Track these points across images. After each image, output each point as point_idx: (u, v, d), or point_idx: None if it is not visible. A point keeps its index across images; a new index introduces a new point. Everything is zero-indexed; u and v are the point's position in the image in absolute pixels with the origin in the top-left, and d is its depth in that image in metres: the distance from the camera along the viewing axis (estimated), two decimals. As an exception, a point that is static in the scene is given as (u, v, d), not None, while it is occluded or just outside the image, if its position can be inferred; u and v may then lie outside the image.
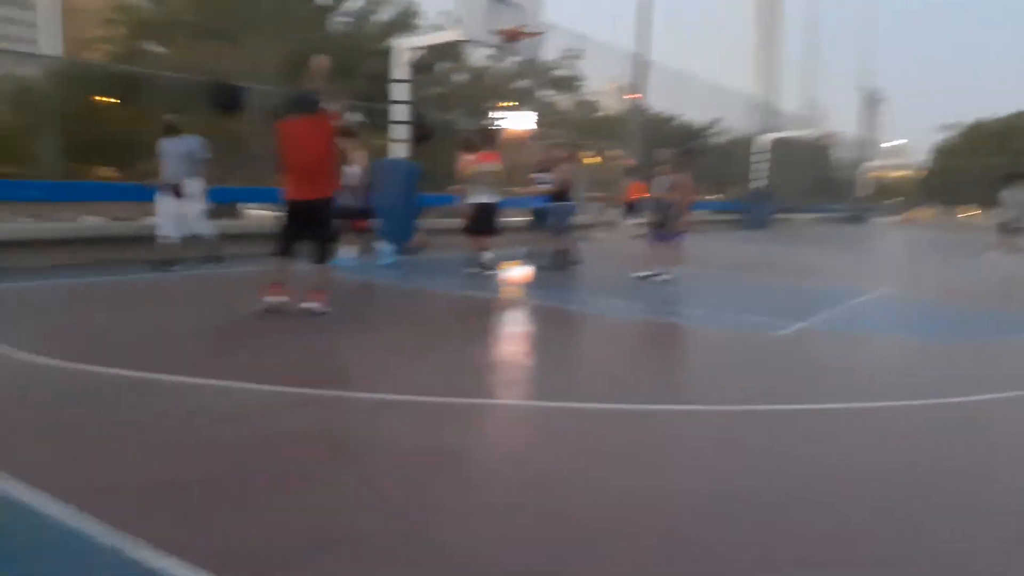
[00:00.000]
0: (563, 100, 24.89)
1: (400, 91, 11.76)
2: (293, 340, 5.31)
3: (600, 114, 30.97)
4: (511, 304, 7.78)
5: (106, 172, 17.81)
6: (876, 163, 49.12)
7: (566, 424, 3.77)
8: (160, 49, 17.62)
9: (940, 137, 55.72)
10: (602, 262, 12.19)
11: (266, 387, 4.01)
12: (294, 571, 2.22)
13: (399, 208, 11.49)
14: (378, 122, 19.96)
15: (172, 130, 8.34)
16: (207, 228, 8.57)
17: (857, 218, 37.68)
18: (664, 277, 9.42)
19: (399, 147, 11.84)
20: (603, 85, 31.18)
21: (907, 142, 48.69)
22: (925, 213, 49.57)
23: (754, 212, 26.46)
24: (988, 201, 47.04)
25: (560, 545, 2.47)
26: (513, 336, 6.30)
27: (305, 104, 6.30)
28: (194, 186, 8.31)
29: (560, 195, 10.69)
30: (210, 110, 11.24)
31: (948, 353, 6.22)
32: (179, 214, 8.30)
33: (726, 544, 2.52)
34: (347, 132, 10.90)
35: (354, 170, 9.12)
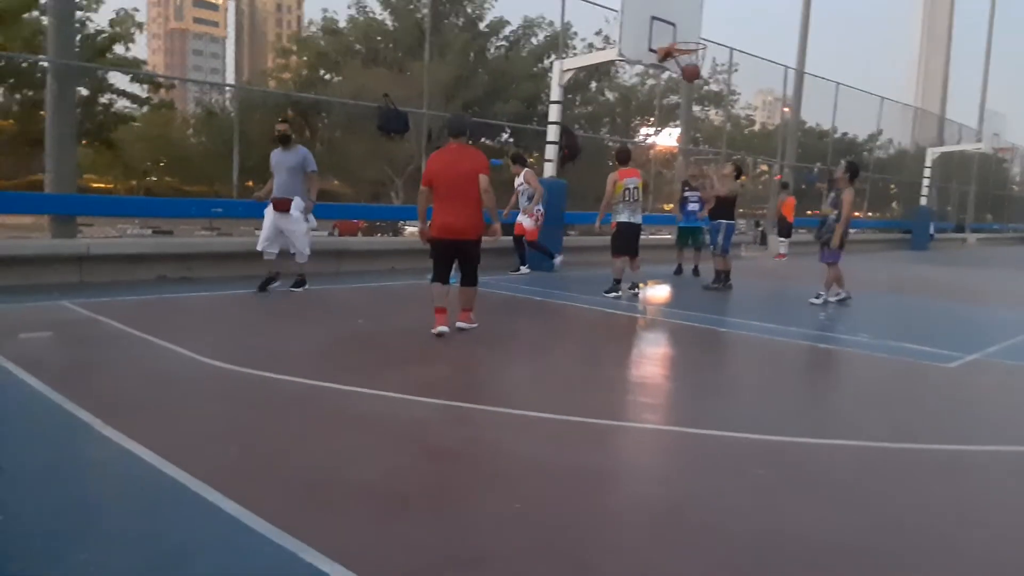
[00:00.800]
0: (715, 115, 24.47)
1: (554, 112, 12.08)
2: (448, 355, 5.62)
3: (752, 128, 30.16)
4: (657, 324, 7.85)
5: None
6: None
7: (712, 452, 3.83)
8: (333, 77, 19.04)
9: None
10: (752, 281, 11.94)
11: (420, 399, 4.30)
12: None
13: (543, 225, 11.80)
14: (526, 143, 20.53)
15: (284, 140, 7.87)
16: (305, 247, 8.04)
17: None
18: (816, 299, 9.16)
19: (549, 166, 12.14)
20: (756, 98, 30.34)
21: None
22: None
23: (919, 231, 24.82)
24: None
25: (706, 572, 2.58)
26: (659, 357, 6.38)
27: (459, 126, 6.30)
28: (299, 202, 7.90)
29: (721, 212, 10.44)
30: (377, 132, 12.03)
31: None
32: (280, 229, 7.92)
33: None
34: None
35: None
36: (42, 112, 12.08)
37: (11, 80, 15.45)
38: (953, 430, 4.46)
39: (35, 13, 15.01)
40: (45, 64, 9.26)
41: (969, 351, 6.53)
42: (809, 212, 25.49)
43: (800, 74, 21.47)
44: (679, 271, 12.37)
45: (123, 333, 5.66)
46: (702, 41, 11.89)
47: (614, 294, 9.04)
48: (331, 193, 19.66)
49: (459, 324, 6.23)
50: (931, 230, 25.05)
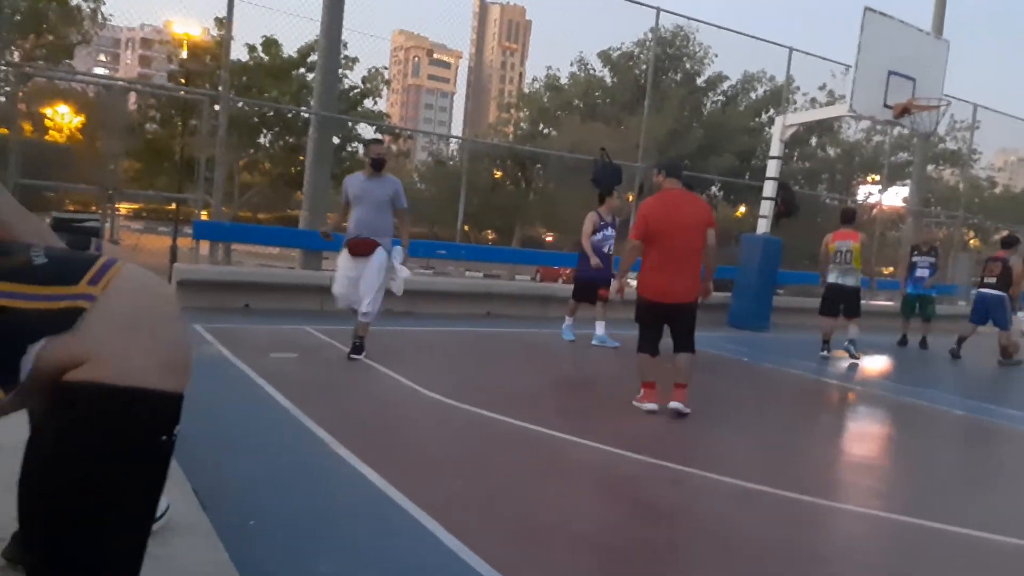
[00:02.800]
0: (950, 175, 22.43)
1: (773, 167, 11.71)
2: (656, 411, 5.43)
3: (993, 191, 27.27)
4: (877, 398, 7.24)
5: (492, 236, 20.49)
6: None
7: (928, 545, 3.44)
8: (551, 131, 19.85)
9: None
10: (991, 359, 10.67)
11: (631, 454, 4.24)
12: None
13: (755, 284, 11.37)
14: (737, 197, 20.02)
15: (379, 165, 6.15)
16: (375, 304, 6.20)
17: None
18: None
19: (764, 223, 11.74)
20: (996, 158, 27.47)
21: None
22: None
23: None
24: None
25: None
26: (881, 436, 5.86)
27: (677, 167, 5.45)
28: (398, 251, 6.29)
29: (1005, 285, 10.23)
30: (590, 185, 12.29)
31: None
32: (357, 277, 6.16)
33: None
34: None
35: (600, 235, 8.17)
36: (301, 157, 13.71)
37: (277, 128, 17.73)
38: None
39: (302, 70, 17.15)
40: (306, 115, 10.52)
41: None
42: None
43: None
44: (904, 342, 11.36)
45: (354, 360, 6.18)
46: (944, 97, 11.03)
47: (823, 353, 8.99)
48: (536, 240, 20.35)
49: (673, 405, 5.21)
50: None
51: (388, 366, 5.95)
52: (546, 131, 19.73)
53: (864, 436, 5.76)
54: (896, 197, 21.41)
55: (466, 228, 13.21)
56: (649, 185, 13.75)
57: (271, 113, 16.57)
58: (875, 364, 9.30)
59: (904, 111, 10.47)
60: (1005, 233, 11.29)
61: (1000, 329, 10.17)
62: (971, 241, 25.09)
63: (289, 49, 16.98)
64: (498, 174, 18.86)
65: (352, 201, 6.20)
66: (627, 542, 3.10)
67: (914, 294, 11.20)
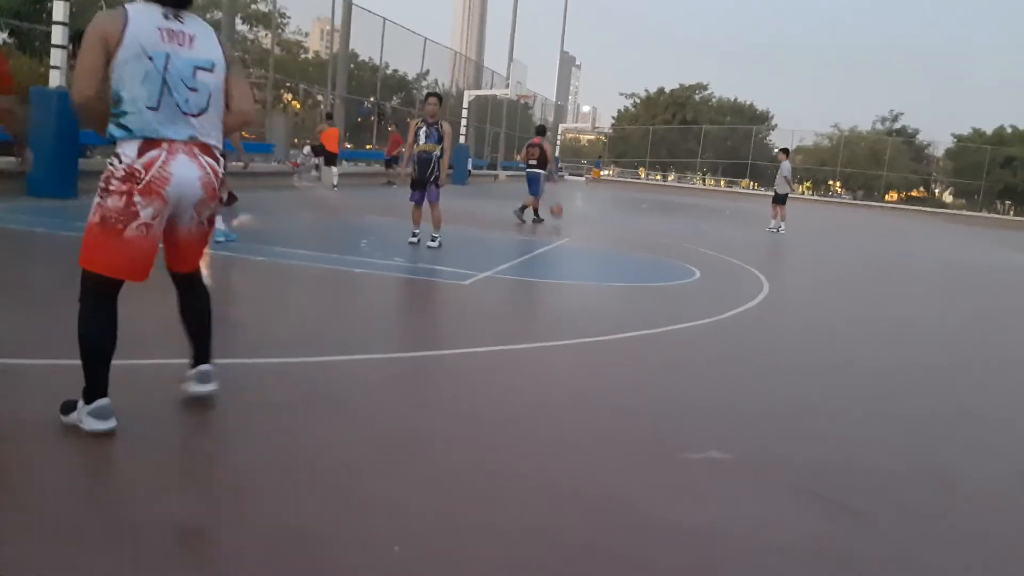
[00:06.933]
0: (264, 37, 23.38)
1: (59, 10, 10.19)
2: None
3: (307, 56, 29.70)
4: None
5: None
6: (570, 125, 53.37)
7: (250, 380, 3.61)
8: None
9: (623, 105, 62.27)
10: (313, 212, 11.82)
11: None
12: None
13: (53, 145, 10.00)
14: (33, 45, 17.13)
15: None
16: None
17: (550, 177, 40.77)
18: (433, 243, 8.56)
19: (57, 74, 10.29)
20: (315, 27, 29.91)
21: (597, 108, 53.52)
22: (609, 173, 55.03)
23: (458, 167, 27.43)
24: (663, 165, 53.44)
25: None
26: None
27: None
28: None
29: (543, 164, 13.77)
30: None
31: (615, 296, 7.05)
32: None
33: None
34: None
35: None
36: None
37: None
38: (466, 335, 4.89)
39: None
40: None
41: (481, 270, 7.30)
42: (369, 146, 26.29)
43: (348, 3, 21.66)
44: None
45: None
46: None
47: None
48: None
49: None
50: (469, 166, 27.83)
51: None
52: None
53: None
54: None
55: None
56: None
57: None
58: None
59: (199, -41, 10.17)
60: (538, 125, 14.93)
61: (530, 195, 13.41)
62: (293, 103, 27.09)
63: None
64: None
65: None
66: None
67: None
